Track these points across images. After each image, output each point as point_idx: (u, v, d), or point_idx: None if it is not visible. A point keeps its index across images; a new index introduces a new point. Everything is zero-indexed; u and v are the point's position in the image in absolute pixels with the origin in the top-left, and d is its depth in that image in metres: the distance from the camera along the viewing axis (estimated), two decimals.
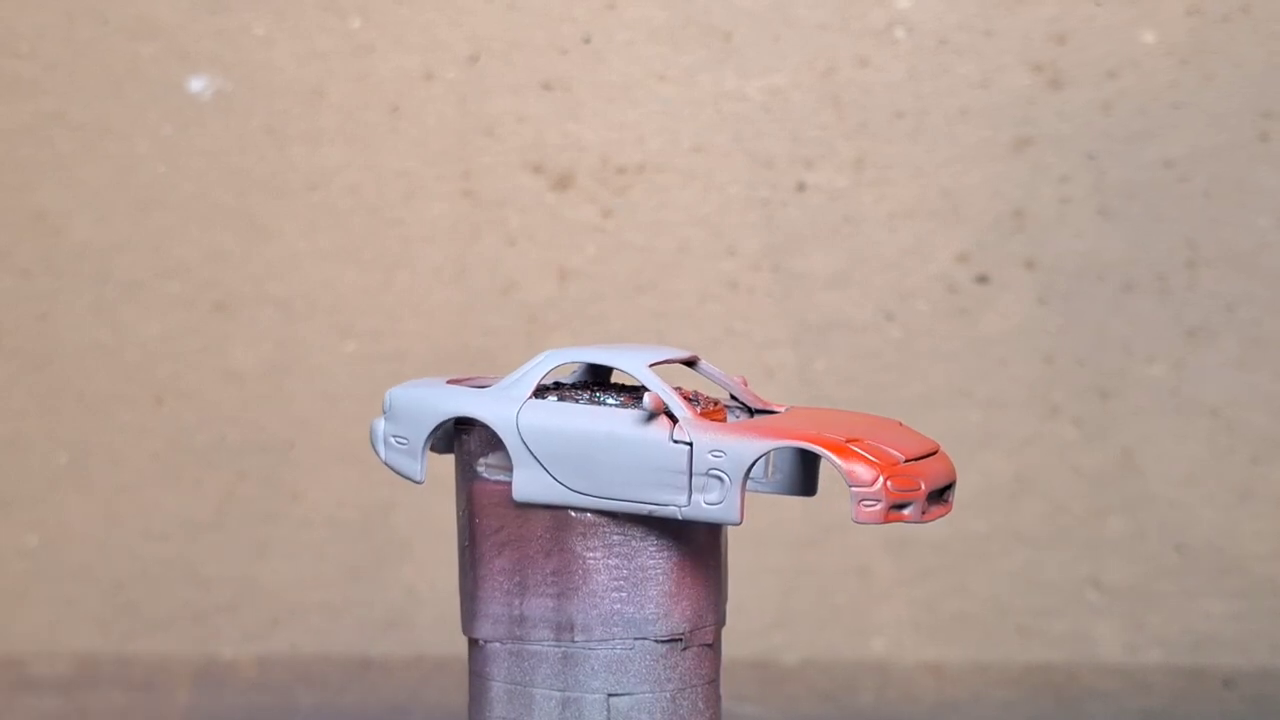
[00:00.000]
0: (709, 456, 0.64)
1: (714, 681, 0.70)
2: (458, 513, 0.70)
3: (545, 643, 0.66)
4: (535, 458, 0.65)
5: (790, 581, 1.27)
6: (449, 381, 0.71)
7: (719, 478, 0.64)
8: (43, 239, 1.26)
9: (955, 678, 1.26)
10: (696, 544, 0.68)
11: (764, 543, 1.25)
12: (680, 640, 0.67)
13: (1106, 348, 1.23)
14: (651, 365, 0.67)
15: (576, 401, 0.67)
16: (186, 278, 1.26)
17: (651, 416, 0.65)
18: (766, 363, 1.24)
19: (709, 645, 0.69)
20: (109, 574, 1.28)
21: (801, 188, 1.23)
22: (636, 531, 0.66)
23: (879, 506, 0.62)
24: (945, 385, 1.24)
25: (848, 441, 0.64)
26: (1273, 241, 1.22)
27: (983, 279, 1.23)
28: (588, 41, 1.23)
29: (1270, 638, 1.25)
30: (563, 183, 1.24)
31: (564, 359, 0.68)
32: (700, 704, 0.68)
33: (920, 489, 0.63)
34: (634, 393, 0.69)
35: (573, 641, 0.66)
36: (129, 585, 1.28)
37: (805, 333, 1.24)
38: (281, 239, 1.26)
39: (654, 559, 0.66)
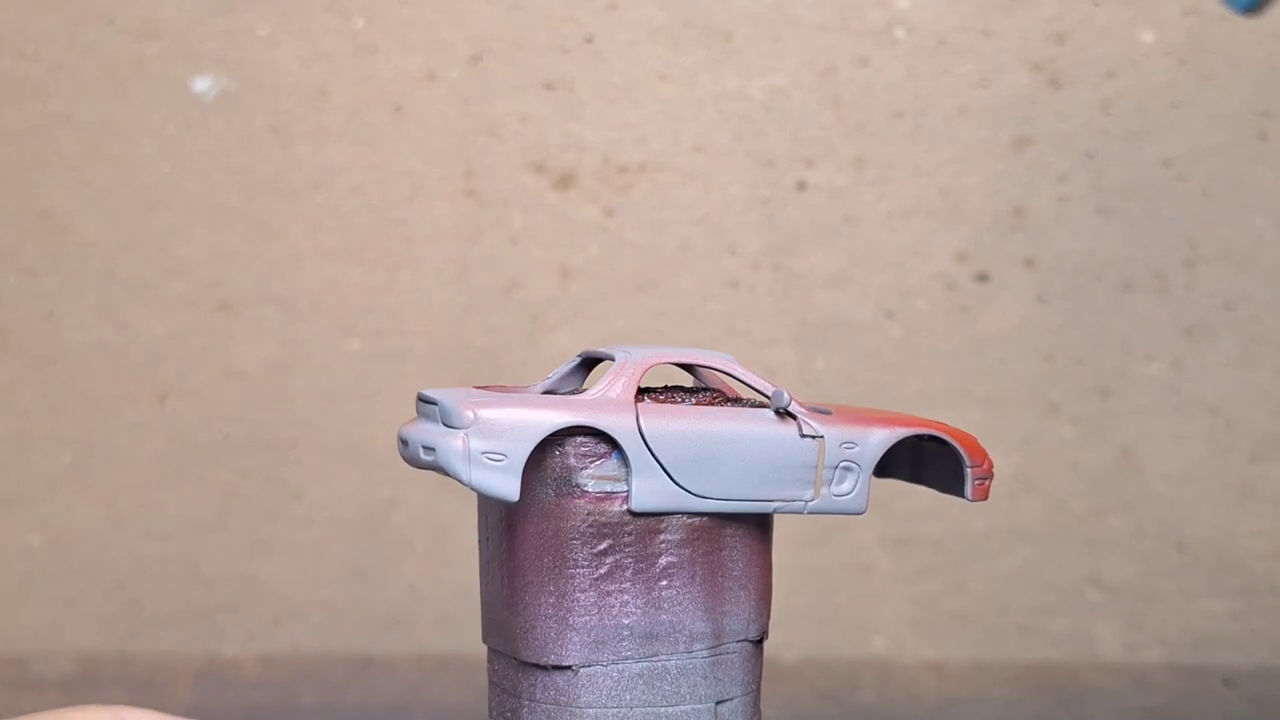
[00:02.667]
0: (841, 449, 0.64)
1: None
2: (508, 531, 0.64)
3: (658, 658, 0.63)
4: (659, 463, 0.62)
5: (791, 580, 1.27)
6: (478, 389, 0.67)
7: (850, 468, 0.64)
8: (48, 238, 1.27)
9: (956, 676, 1.26)
10: (770, 542, 0.67)
11: None
12: (763, 639, 0.66)
13: (1106, 346, 1.24)
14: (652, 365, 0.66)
15: (678, 404, 0.64)
16: (191, 277, 1.27)
17: (780, 412, 0.64)
18: (767, 361, 1.24)
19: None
20: (111, 573, 1.29)
21: (802, 187, 1.24)
22: (740, 531, 0.64)
23: (988, 483, 0.66)
24: (945, 384, 1.24)
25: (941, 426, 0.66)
26: (1271, 240, 1.22)
27: (982, 278, 1.24)
28: (589, 42, 1.24)
29: (1270, 637, 1.25)
30: (565, 182, 1.25)
31: (647, 358, 0.65)
32: (761, 702, 0.68)
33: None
34: (707, 394, 0.67)
35: (689, 652, 0.63)
36: (131, 584, 1.29)
37: (805, 331, 1.25)
38: (285, 239, 1.26)
39: (757, 560, 0.65)
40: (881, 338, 1.24)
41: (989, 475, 0.67)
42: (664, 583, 0.63)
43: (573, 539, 0.62)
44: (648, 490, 0.62)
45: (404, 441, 0.63)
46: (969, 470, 0.66)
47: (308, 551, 1.28)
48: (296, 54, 1.24)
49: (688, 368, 0.69)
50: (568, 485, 0.62)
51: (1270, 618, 1.24)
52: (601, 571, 0.63)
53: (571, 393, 0.67)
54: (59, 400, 1.28)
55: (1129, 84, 1.21)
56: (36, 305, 1.27)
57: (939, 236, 1.23)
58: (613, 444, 0.62)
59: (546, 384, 0.68)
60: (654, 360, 0.65)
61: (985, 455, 0.67)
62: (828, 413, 0.66)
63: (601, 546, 0.62)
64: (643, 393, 0.65)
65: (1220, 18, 1.20)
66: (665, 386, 0.67)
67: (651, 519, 0.63)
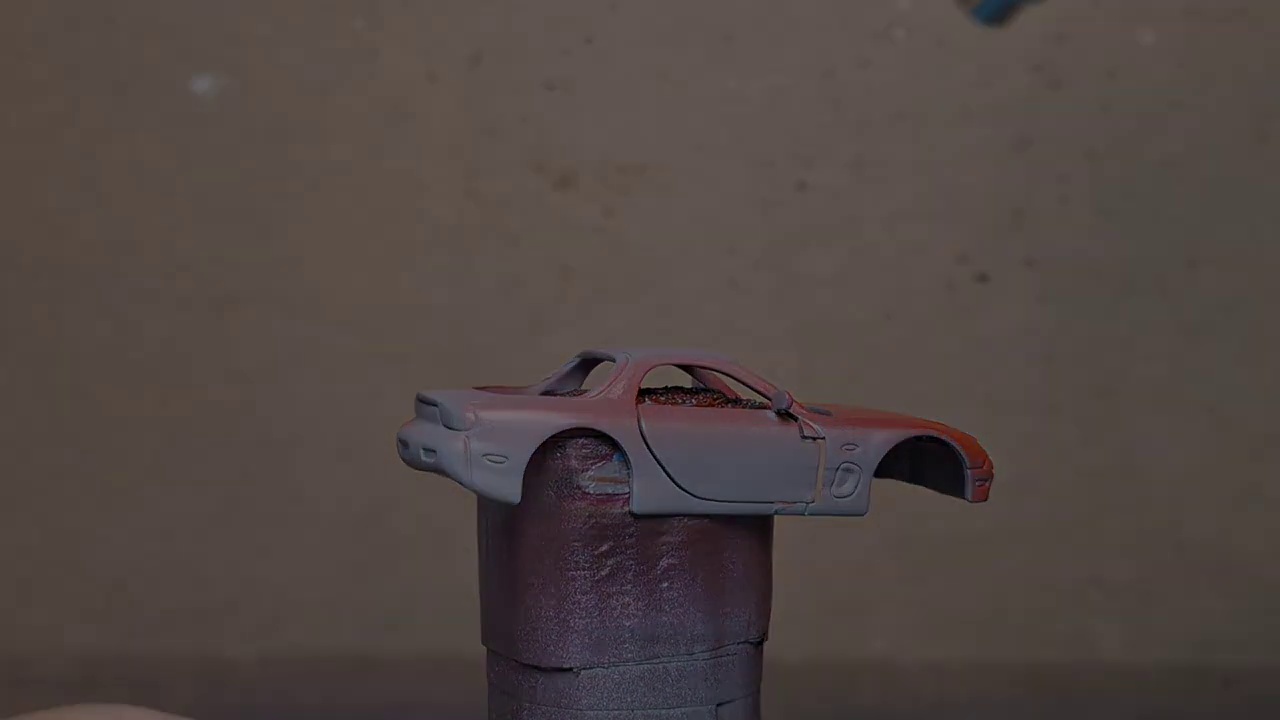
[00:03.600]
0: (841, 450, 0.64)
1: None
2: (509, 533, 0.64)
3: (659, 660, 0.63)
4: (660, 465, 0.62)
5: (791, 580, 1.27)
6: (477, 389, 0.66)
7: (851, 470, 0.64)
8: (48, 238, 1.27)
9: (956, 676, 1.26)
10: (770, 543, 0.67)
11: None
12: (764, 641, 0.66)
13: (1106, 346, 1.24)
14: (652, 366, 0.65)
15: (679, 405, 0.64)
16: (191, 277, 1.27)
17: (781, 413, 0.64)
18: (767, 361, 1.24)
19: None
20: (111, 572, 1.29)
21: (801, 187, 1.24)
22: (740, 533, 0.64)
23: (988, 484, 0.66)
24: (945, 384, 1.24)
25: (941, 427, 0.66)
26: (1271, 240, 1.22)
27: (982, 278, 1.24)
28: (589, 42, 1.24)
29: (1270, 637, 1.25)
30: (564, 182, 1.25)
31: (648, 359, 0.64)
32: (762, 703, 0.67)
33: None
34: (708, 395, 0.67)
35: (689, 654, 0.63)
36: (131, 584, 1.29)
37: (805, 331, 1.25)
38: (285, 239, 1.26)
39: (758, 561, 0.65)
40: (881, 338, 1.24)
41: (989, 476, 0.66)
42: (665, 584, 0.63)
43: (574, 541, 0.62)
44: (649, 492, 0.62)
45: (404, 443, 0.62)
46: (969, 471, 0.66)
47: (308, 551, 1.28)
48: (296, 54, 1.24)
49: (688, 368, 0.69)
50: (569, 487, 0.62)
51: (1270, 618, 1.24)
52: (603, 573, 0.62)
53: (571, 394, 0.67)
54: (59, 400, 1.28)
55: (1129, 85, 1.21)
56: (36, 305, 1.27)
57: (939, 237, 1.23)
58: (614, 446, 0.62)
59: (546, 385, 0.68)
60: (654, 361, 0.64)
61: (985, 456, 0.66)
62: (828, 414, 0.65)
63: (603, 548, 0.62)
64: (643, 394, 0.65)
65: (1220, 18, 1.21)
66: (665, 388, 0.67)
67: (653, 521, 0.62)
